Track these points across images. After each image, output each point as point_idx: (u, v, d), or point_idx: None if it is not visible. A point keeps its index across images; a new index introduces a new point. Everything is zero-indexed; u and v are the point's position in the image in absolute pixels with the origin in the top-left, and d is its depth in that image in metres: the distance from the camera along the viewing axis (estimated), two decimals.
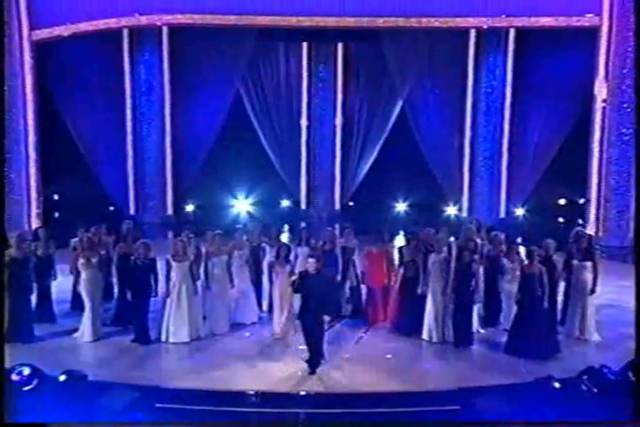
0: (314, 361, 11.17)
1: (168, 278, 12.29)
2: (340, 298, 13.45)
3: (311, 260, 11.32)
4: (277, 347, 12.10)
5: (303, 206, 24.55)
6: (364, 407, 9.93)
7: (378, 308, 13.19)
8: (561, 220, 22.66)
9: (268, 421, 9.67)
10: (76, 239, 13.69)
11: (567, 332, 12.77)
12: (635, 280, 11.86)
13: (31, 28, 19.62)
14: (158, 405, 9.75)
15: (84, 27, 19.83)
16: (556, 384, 10.02)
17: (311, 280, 11.11)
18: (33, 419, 9.05)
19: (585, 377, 10.14)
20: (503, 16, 20.06)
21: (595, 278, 12.61)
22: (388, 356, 11.88)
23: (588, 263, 12.64)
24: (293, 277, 11.58)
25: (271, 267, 12.87)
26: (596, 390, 9.94)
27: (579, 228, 13.97)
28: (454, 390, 10.34)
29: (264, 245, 14.08)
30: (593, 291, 12.64)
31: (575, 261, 12.75)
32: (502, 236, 14.08)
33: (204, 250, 13.15)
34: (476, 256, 12.62)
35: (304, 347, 11.35)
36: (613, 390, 9.93)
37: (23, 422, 8.60)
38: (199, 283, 12.71)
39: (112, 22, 20.12)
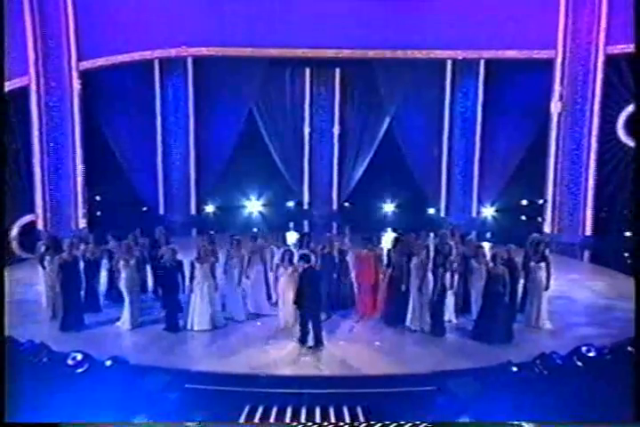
0: (304, 338, 11.63)
1: (192, 277, 12.43)
2: (336, 293, 13.57)
3: (300, 262, 11.99)
4: (283, 335, 12.21)
5: (305, 206, 24.64)
6: (355, 388, 10.21)
7: (367, 302, 13.22)
8: (523, 218, 22.79)
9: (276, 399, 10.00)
10: (110, 245, 14.03)
11: (526, 321, 12.93)
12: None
13: (78, 60, 19.88)
14: (188, 385, 10.05)
15: (122, 58, 20.06)
16: (514, 368, 10.33)
17: (307, 277, 11.58)
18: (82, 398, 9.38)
19: (538, 362, 10.38)
20: (475, 50, 20.47)
21: (548, 277, 12.81)
22: (377, 342, 12.01)
23: (543, 264, 12.83)
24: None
25: (277, 267, 13.03)
26: (546, 372, 10.23)
27: (535, 234, 14.10)
28: (431, 373, 10.48)
29: (272, 247, 14.28)
30: (547, 287, 12.86)
31: (532, 263, 12.93)
32: (475, 240, 14.34)
33: (224, 252, 13.35)
34: (452, 258, 12.90)
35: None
36: (560, 373, 10.24)
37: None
38: (219, 280, 12.93)
39: (146, 54, 20.39)
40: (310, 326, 11.71)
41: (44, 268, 13.29)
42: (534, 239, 13.42)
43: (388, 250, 13.31)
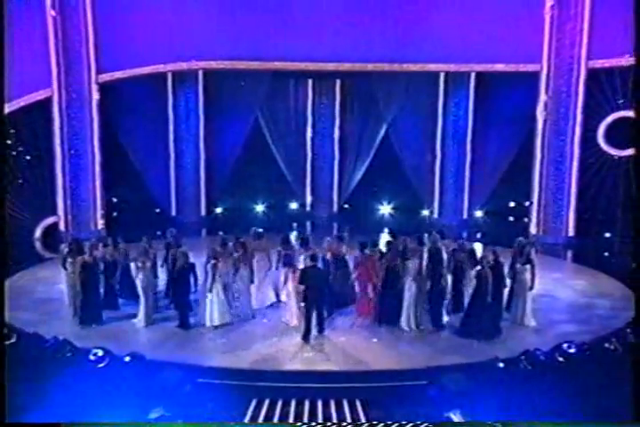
0: (308, 335, 11.88)
1: (204, 277, 12.58)
2: (337, 292, 13.49)
3: (307, 260, 12.19)
4: (289, 332, 12.31)
5: (308, 208, 24.71)
6: (354, 382, 10.40)
7: (365, 302, 13.14)
8: (511, 219, 22.88)
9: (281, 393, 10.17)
10: (122, 246, 14.12)
11: (512, 319, 13.02)
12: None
13: (97, 73, 20.05)
14: (200, 380, 10.17)
15: (138, 71, 20.33)
16: (501, 364, 10.46)
17: (312, 276, 11.82)
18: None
19: (523, 357, 10.50)
20: (466, 63, 20.67)
21: (533, 278, 12.88)
22: (374, 340, 12.13)
23: (528, 266, 12.89)
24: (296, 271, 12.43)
25: (283, 267, 13.21)
26: (530, 368, 10.36)
27: (521, 238, 14.20)
28: (424, 368, 10.63)
29: (277, 247, 14.22)
30: (532, 287, 12.92)
31: (518, 265, 13.04)
32: (466, 240, 14.42)
33: (235, 255, 13.35)
34: (443, 259, 13.03)
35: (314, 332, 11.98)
36: (544, 368, 10.37)
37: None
38: (228, 280, 12.97)
39: (160, 67, 20.70)
40: (314, 321, 11.97)
41: (65, 269, 13.45)
42: (520, 243, 13.57)
43: (384, 253, 13.34)
